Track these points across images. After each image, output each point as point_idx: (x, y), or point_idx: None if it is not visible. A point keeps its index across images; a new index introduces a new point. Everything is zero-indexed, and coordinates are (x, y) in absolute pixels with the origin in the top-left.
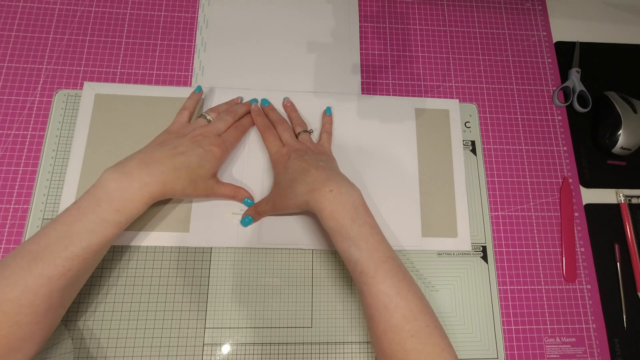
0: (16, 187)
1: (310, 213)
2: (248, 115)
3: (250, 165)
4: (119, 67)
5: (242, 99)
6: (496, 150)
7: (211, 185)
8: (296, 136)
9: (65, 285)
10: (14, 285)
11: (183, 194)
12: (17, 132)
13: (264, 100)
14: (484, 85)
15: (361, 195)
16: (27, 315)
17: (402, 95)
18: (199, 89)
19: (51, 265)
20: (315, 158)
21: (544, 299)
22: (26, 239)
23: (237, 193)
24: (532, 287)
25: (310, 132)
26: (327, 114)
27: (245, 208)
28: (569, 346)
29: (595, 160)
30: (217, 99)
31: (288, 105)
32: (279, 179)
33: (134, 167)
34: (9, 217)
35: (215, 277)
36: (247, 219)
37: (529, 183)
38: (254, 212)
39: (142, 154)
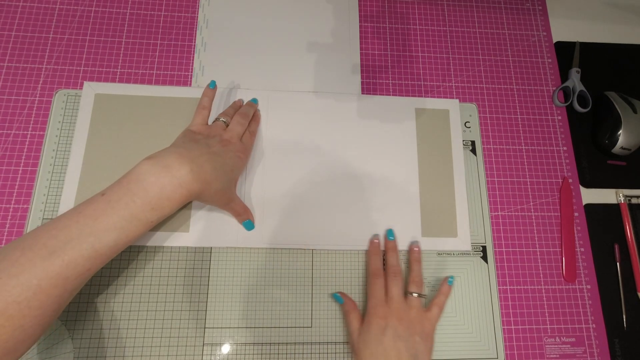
0: (16, 187)
1: (311, 213)
2: (254, 119)
3: (251, 172)
4: (119, 67)
5: (243, 101)
6: (496, 150)
7: (233, 195)
8: (405, 294)
9: (80, 284)
10: (25, 286)
11: (212, 198)
12: (17, 132)
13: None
14: (484, 85)
15: None
16: (34, 318)
17: (402, 95)
18: (213, 85)
19: (71, 265)
20: (409, 347)
21: (544, 299)
22: (43, 225)
23: (244, 212)
24: (532, 287)
25: (423, 297)
26: (449, 284)
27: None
28: (569, 346)
29: (595, 160)
30: (217, 100)
31: (415, 252)
32: (364, 345)
33: (175, 161)
34: (9, 217)
35: (215, 277)
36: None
37: (529, 183)
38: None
39: (178, 148)
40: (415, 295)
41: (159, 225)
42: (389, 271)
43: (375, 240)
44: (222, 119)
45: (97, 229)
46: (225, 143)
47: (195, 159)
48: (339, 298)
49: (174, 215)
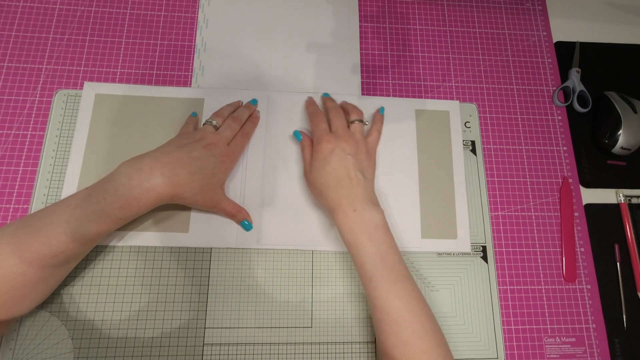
0: (16, 187)
1: (311, 214)
2: (250, 120)
3: (250, 173)
4: (119, 67)
5: (242, 102)
6: (496, 150)
7: (218, 197)
8: (348, 125)
9: (57, 263)
10: (11, 255)
11: (191, 201)
12: (17, 132)
13: (253, 100)
14: (484, 85)
15: (383, 217)
16: (21, 281)
17: (402, 96)
18: (194, 115)
19: (46, 245)
20: (356, 163)
21: (544, 299)
22: (39, 209)
23: (239, 213)
24: (532, 287)
25: (365, 123)
26: (381, 113)
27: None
28: (569, 346)
29: (595, 160)
30: (218, 100)
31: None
32: (315, 171)
33: (147, 165)
34: (9, 217)
35: (215, 277)
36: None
37: (529, 183)
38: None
39: (157, 153)
40: (357, 122)
41: (159, 225)
42: (329, 110)
43: (309, 97)
44: (213, 122)
45: (72, 218)
46: (209, 147)
47: (170, 163)
48: (298, 135)
49: (174, 215)
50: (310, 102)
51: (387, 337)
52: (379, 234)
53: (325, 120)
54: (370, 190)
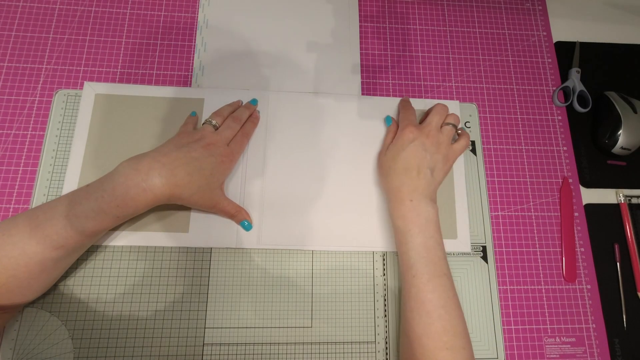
0: (16, 187)
1: (311, 213)
2: (250, 120)
3: (250, 173)
4: (119, 67)
5: (242, 102)
6: (496, 150)
7: (217, 197)
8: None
9: (58, 256)
10: (15, 246)
11: (189, 201)
12: (17, 132)
13: (253, 100)
14: (484, 85)
15: (437, 214)
16: (23, 272)
17: (402, 95)
18: (194, 114)
19: (48, 239)
20: (430, 160)
21: (544, 299)
22: (43, 203)
23: (238, 213)
24: (532, 287)
25: (458, 130)
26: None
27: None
28: (569, 346)
29: (595, 160)
30: (218, 100)
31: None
32: (389, 153)
33: (145, 166)
34: (9, 217)
35: (215, 277)
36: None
37: (529, 183)
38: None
39: (157, 152)
40: (450, 125)
41: (159, 225)
42: (435, 106)
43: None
44: (213, 121)
45: (72, 214)
46: (208, 147)
47: (168, 164)
48: (389, 120)
49: (174, 215)
50: (405, 99)
51: (416, 324)
52: (430, 227)
53: (415, 115)
54: (433, 188)
